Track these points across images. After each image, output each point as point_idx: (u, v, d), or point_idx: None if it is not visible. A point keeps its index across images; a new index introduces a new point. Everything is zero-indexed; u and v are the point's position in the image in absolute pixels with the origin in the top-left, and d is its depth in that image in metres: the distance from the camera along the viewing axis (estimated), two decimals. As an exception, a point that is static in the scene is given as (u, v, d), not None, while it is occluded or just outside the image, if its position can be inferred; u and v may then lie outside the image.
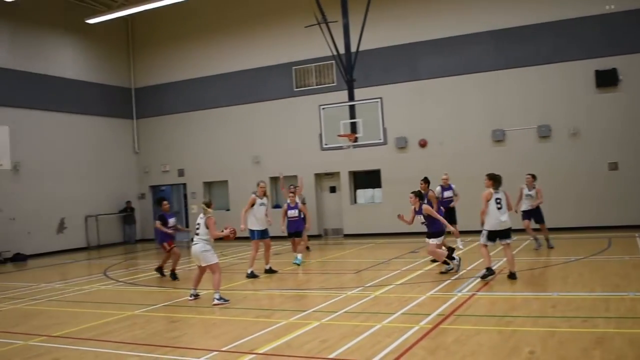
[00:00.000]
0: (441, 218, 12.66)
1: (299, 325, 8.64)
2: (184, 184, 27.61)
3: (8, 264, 21.10)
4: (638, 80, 19.51)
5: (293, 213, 15.59)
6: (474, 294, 10.10)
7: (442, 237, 12.70)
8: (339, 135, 18.42)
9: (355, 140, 18.37)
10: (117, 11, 24.09)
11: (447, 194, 16.30)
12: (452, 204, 16.28)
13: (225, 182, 26.18)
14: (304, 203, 18.03)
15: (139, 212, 27.75)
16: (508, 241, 11.37)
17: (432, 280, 11.80)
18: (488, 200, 11.35)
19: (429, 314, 8.75)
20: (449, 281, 11.56)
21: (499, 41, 21.21)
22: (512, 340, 7.16)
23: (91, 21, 24.27)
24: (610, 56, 19.77)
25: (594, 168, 19.97)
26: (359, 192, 23.91)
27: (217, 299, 10.68)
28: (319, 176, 24.44)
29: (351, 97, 19.24)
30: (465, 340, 7.29)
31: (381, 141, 18.18)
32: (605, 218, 19.72)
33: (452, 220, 15.69)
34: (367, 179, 23.70)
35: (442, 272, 12.48)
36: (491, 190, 11.44)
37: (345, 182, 23.68)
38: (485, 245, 11.39)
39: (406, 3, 22.58)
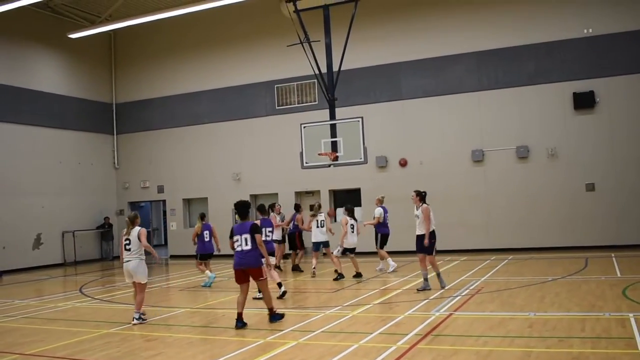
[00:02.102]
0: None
1: (275, 344, 8.58)
2: (164, 201, 27.46)
3: (-18, 280, 20.82)
4: (614, 102, 19.86)
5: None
6: (451, 314, 10.11)
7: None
8: (320, 154, 18.42)
9: (336, 158, 18.37)
10: (100, 26, 24.04)
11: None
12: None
13: (205, 199, 26.07)
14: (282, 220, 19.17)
15: (116, 228, 27.51)
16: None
17: (410, 299, 11.80)
18: (346, 224, 15.82)
19: (407, 334, 8.74)
20: (426, 301, 11.57)
21: (480, 62, 21.48)
22: (488, 361, 7.18)
23: (74, 36, 24.16)
24: (587, 79, 20.14)
25: (571, 189, 20.20)
26: (339, 210, 23.91)
27: (137, 319, 10.78)
28: (299, 194, 24.43)
29: (332, 116, 19.25)
30: (442, 360, 7.29)
31: (362, 160, 18.19)
32: (582, 238, 19.94)
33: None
34: (348, 197, 23.71)
35: (418, 290, 12.62)
36: (347, 217, 15.82)
37: (325, 200, 23.68)
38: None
39: (389, 23, 22.79)
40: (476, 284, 13.37)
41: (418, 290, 12.55)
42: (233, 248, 10.17)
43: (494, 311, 10.28)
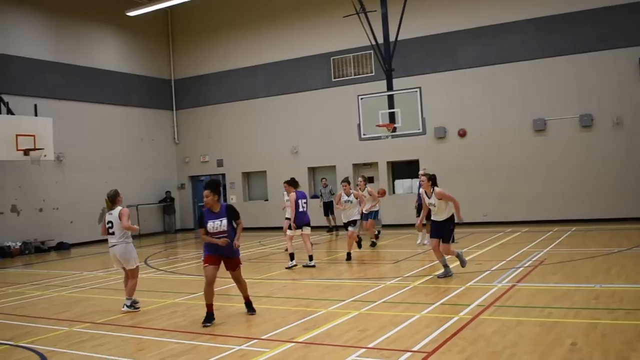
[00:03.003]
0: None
1: (337, 314, 8.67)
2: (223, 174, 27.85)
3: (52, 253, 21.60)
4: (685, 67, 19.06)
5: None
6: (514, 285, 10.00)
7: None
8: (378, 125, 18.38)
9: (394, 130, 18.31)
10: (156, 3, 24.30)
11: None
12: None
13: (264, 172, 26.33)
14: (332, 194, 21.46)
15: (178, 202, 28.13)
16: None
17: (471, 271, 11.70)
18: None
19: (469, 305, 8.71)
20: (488, 272, 11.46)
21: (540, 29, 20.87)
22: (553, 332, 7.08)
23: (131, 13, 24.58)
24: (655, 43, 19.37)
25: (637, 158, 19.55)
26: (397, 182, 23.84)
27: (128, 306, 9.90)
28: (357, 166, 24.40)
29: (390, 87, 19.15)
30: (506, 331, 7.23)
31: (420, 131, 18.09)
32: (650, 209, 19.36)
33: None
34: (406, 169, 23.59)
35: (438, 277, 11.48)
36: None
37: (383, 172, 23.60)
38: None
39: (445, -9, 22.37)
40: (539, 256, 13.16)
41: (438, 277, 11.29)
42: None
43: (558, 283, 10.11)
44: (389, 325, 7.80)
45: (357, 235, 15.74)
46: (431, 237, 11.70)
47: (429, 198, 11.48)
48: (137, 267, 10.20)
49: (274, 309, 9.44)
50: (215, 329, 8.27)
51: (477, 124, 21.83)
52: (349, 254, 14.61)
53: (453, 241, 12.86)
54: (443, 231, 11.33)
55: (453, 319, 7.95)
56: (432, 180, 11.53)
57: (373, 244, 17.02)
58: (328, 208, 22.88)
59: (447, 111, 22.17)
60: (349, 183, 15.23)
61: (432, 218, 11.61)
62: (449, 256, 11.56)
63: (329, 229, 22.84)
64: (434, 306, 8.84)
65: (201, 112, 28.10)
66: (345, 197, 14.91)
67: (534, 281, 10.37)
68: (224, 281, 12.19)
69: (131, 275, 10.07)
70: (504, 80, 21.44)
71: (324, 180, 23.35)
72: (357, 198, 14.97)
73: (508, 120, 21.34)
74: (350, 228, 14.79)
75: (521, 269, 11.60)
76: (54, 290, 12.75)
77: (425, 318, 8.16)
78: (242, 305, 9.74)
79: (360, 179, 16.91)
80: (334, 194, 21.99)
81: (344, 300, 9.58)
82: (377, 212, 17.50)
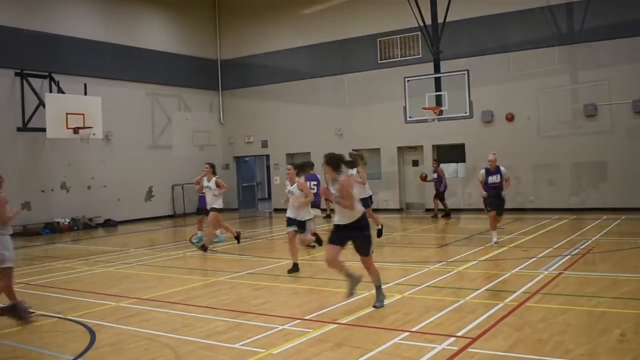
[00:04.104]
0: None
1: (380, 297, 8.65)
2: (267, 155, 27.97)
3: (99, 229, 22.04)
4: None
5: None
6: (560, 273, 9.83)
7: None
8: (424, 108, 18.25)
9: (440, 113, 18.16)
10: (204, -17, 24.42)
11: (492, 179, 13.47)
12: (502, 191, 13.52)
13: (308, 153, 26.31)
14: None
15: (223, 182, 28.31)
16: None
17: (517, 257, 11.55)
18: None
19: (514, 291, 8.59)
20: (534, 259, 11.29)
21: (594, 10, 20.24)
22: (601, 322, 6.94)
23: (179, -6, 24.78)
24: None
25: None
26: (442, 166, 23.59)
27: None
28: (401, 149, 24.23)
29: (437, 70, 18.96)
30: (552, 319, 7.12)
31: (467, 114, 17.91)
32: None
33: (499, 208, 13.61)
34: (451, 153, 23.33)
35: None
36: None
37: (428, 155, 23.37)
38: None
39: (496, -28, 21.91)
40: (586, 244, 12.90)
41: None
42: None
43: (606, 272, 9.91)
44: (432, 310, 7.76)
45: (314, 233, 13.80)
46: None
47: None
48: (10, 268, 8.05)
49: (317, 290, 9.48)
50: (258, 308, 8.35)
51: (525, 108, 21.40)
52: (295, 265, 11.16)
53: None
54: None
55: (498, 305, 7.86)
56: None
57: (379, 233, 14.67)
58: None
59: (495, 95, 21.79)
60: (306, 167, 12.85)
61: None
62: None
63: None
64: (478, 292, 8.76)
65: (246, 92, 28.20)
66: (288, 187, 11.60)
67: (581, 269, 10.19)
68: (270, 261, 12.31)
69: (1, 276, 7.91)
70: (554, 63, 20.93)
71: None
72: (301, 190, 11.40)
73: (557, 104, 20.86)
74: (290, 228, 11.43)
75: (568, 256, 11.40)
76: (101, 265, 13.01)
77: (469, 303, 8.09)
78: (285, 285, 9.83)
79: (288, 167, 12.09)
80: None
81: (388, 284, 9.51)
82: (369, 197, 14.70)
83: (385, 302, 8.19)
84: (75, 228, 21.53)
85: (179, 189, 26.24)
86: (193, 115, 27.46)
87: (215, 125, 28.73)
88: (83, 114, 20.40)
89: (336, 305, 8.25)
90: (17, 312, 7.92)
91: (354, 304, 8.29)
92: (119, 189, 23.61)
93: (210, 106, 28.55)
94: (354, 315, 7.69)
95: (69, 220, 21.52)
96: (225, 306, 8.52)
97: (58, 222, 21.16)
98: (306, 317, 7.69)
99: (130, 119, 24.44)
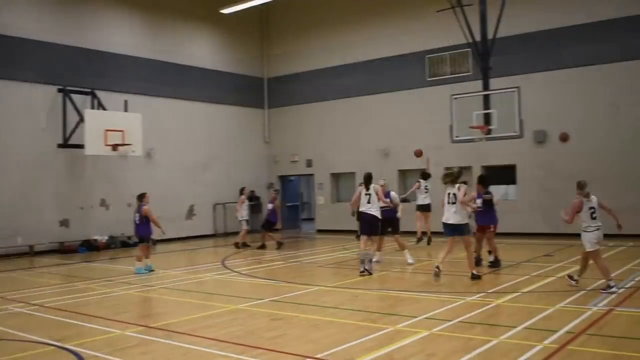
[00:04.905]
0: None
1: (406, 333, 7.84)
2: (312, 175, 27.36)
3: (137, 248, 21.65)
4: None
5: None
6: (611, 309, 8.81)
7: None
8: (471, 127, 17.36)
9: (489, 132, 17.23)
10: (251, 1, 24.02)
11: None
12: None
13: (353, 173, 25.60)
14: None
15: (265, 202, 27.77)
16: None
17: (565, 289, 10.52)
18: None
19: (557, 331, 7.64)
20: (583, 292, 10.24)
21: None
22: (655, 372, 6.00)
23: (225, 11, 24.43)
24: None
25: None
26: (491, 188, 22.46)
27: None
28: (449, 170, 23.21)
29: (486, 87, 18.06)
30: (597, 367, 6.20)
31: (517, 133, 16.92)
32: None
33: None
34: (502, 174, 22.21)
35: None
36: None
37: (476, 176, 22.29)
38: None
39: (550, -15, 20.89)
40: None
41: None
42: None
43: (666, 309, 8.85)
44: (460, 351, 6.91)
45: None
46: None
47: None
48: None
49: (339, 323, 8.69)
50: (269, 342, 7.61)
51: (581, 127, 20.21)
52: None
53: None
54: None
55: (536, 347, 6.94)
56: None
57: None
58: None
59: (548, 114, 20.66)
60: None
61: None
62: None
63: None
64: (515, 330, 7.83)
65: (292, 110, 27.73)
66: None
67: (635, 305, 9.13)
68: (298, 287, 11.65)
69: None
70: (610, 80, 19.70)
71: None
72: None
73: (614, 124, 19.61)
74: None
75: (622, 289, 10.30)
76: (122, 288, 12.51)
77: (503, 344, 7.20)
78: (306, 316, 9.13)
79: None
80: None
81: (416, 317, 8.71)
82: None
83: (408, 340, 7.39)
84: (113, 246, 21.24)
85: (220, 208, 25.82)
86: (238, 133, 27.08)
87: (260, 143, 28.30)
88: (122, 131, 20.21)
89: (355, 342, 7.46)
90: None
91: (375, 340, 7.54)
92: (159, 206, 23.17)
93: (255, 124, 28.13)
94: (371, 354, 6.91)
95: (106, 238, 21.25)
96: (235, 339, 7.83)
97: (95, 240, 20.92)
98: (318, 355, 6.94)
99: (173, 137, 24.20)
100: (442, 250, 12.25)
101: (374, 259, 13.87)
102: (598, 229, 10.25)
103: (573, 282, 10.65)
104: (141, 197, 14.97)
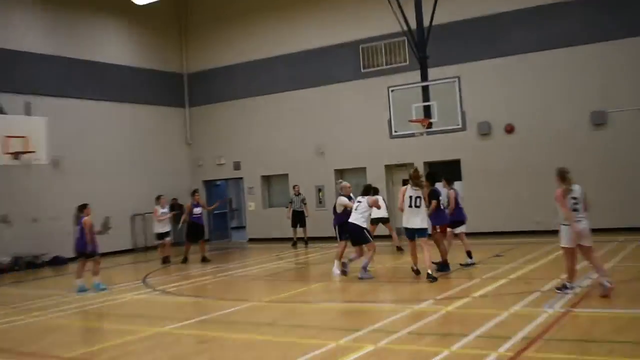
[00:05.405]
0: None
1: (349, 349, 7.72)
2: (241, 178, 27.09)
3: (46, 268, 20.93)
4: None
5: None
6: (568, 311, 8.93)
7: None
8: (411, 121, 17.44)
9: (429, 126, 17.34)
10: (165, -11, 23.65)
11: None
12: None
13: (286, 175, 25.47)
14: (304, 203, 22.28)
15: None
16: None
17: (518, 292, 10.63)
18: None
19: (511, 337, 7.66)
20: (538, 293, 10.36)
21: (602, 7, 19.57)
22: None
23: (139, 2, 23.92)
24: None
25: None
26: (437, 185, 22.72)
27: None
28: (389, 168, 23.39)
29: (424, 77, 18.19)
30: (556, 375, 6.23)
31: (459, 126, 17.08)
32: None
33: None
34: (446, 169, 22.46)
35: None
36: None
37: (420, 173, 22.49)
38: None
39: (487, -33, 21.26)
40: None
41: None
42: None
43: (624, 308, 9.00)
44: (408, 365, 6.85)
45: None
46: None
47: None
48: None
49: (274, 342, 8.53)
50: (198, 368, 7.40)
51: (527, 118, 20.64)
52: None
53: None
54: None
55: (490, 356, 6.94)
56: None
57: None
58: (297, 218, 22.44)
59: (491, 104, 21.05)
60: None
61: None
62: None
63: (294, 242, 22.32)
64: (468, 339, 7.81)
65: (216, 108, 27.36)
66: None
67: (593, 306, 9.29)
68: (229, 304, 11.44)
69: None
70: (557, 67, 20.22)
71: (296, 187, 22.92)
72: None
73: (562, 113, 20.11)
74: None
75: (578, 289, 10.47)
76: (31, 315, 11.93)
77: (454, 355, 7.17)
78: (238, 336, 8.92)
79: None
80: (306, 203, 22.44)
81: (360, 330, 8.61)
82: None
83: (352, 356, 7.28)
84: (17, 268, 20.43)
85: (139, 219, 25.25)
86: (156, 135, 26.53)
87: (181, 145, 27.84)
88: (25, 137, 19.46)
89: (292, 362, 7.33)
90: None
91: (317, 358, 7.39)
92: (69, 220, 22.54)
93: (175, 124, 27.67)
94: (311, 375, 6.78)
95: (9, 259, 20.43)
96: (158, 366, 7.58)
97: (-3, 262, 20.13)
98: (251, 380, 6.76)
99: (84, 141, 23.46)
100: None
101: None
102: (579, 222, 10.27)
103: (569, 291, 10.20)
104: (82, 209, 14.65)
